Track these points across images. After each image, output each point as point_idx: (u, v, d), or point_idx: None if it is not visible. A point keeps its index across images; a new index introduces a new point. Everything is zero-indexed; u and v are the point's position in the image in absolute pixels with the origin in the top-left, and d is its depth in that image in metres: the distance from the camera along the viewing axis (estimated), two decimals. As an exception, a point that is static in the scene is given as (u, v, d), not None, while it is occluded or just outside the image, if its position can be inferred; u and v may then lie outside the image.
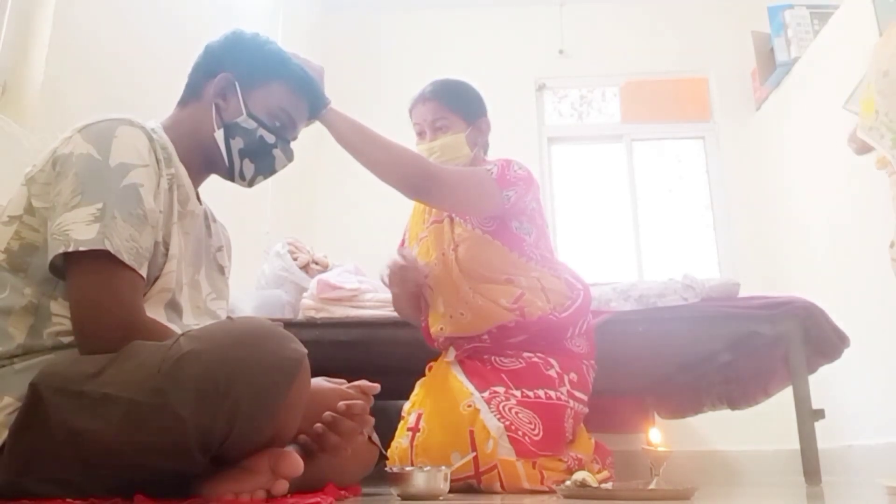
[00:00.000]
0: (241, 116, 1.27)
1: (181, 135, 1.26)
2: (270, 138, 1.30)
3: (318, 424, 1.20)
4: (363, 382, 1.28)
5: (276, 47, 1.36)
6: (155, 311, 1.13)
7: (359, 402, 1.23)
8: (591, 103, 4.45)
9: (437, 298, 1.84)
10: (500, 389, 1.68)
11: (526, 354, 1.75)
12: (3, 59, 1.78)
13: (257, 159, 1.30)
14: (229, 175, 1.31)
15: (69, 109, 1.87)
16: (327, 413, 1.20)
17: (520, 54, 4.30)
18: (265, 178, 1.35)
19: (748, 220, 3.91)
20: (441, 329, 1.83)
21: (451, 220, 1.84)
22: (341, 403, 1.21)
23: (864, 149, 1.77)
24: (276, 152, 1.32)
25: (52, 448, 0.96)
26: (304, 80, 1.36)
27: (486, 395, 1.67)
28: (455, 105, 1.84)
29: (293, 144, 1.37)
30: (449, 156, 1.81)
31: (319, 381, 1.25)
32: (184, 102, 1.32)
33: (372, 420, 1.27)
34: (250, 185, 1.34)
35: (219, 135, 1.27)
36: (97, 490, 0.96)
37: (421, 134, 1.86)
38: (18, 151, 1.70)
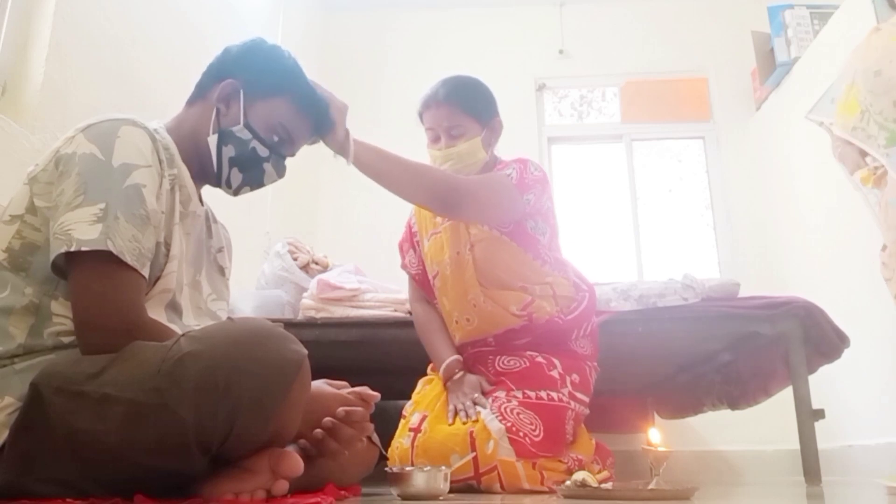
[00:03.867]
0: (238, 126, 1.26)
1: (183, 135, 1.25)
2: (264, 152, 1.28)
3: (318, 430, 1.19)
4: (364, 389, 1.28)
5: (292, 63, 1.33)
6: (156, 312, 1.13)
7: (359, 409, 1.23)
8: (591, 103, 4.45)
9: (444, 301, 1.83)
10: (502, 393, 1.67)
11: (529, 353, 1.74)
12: (3, 59, 1.78)
13: (246, 170, 1.28)
14: (216, 180, 1.30)
15: (69, 109, 1.87)
16: (327, 419, 1.20)
17: (520, 54, 4.29)
18: (252, 189, 1.32)
19: (748, 220, 3.90)
20: None
21: None
22: (341, 409, 1.21)
23: (856, 165, 1.74)
24: (267, 166, 1.30)
25: (53, 448, 0.96)
26: (310, 100, 1.34)
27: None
28: (470, 108, 1.79)
29: (289, 160, 1.35)
30: (465, 161, 1.78)
31: (320, 385, 1.24)
32: (191, 102, 1.31)
33: (371, 427, 1.26)
34: (235, 194, 1.32)
35: (212, 139, 1.26)
36: (97, 490, 0.97)
37: (436, 139, 1.81)
38: (18, 151, 1.70)
